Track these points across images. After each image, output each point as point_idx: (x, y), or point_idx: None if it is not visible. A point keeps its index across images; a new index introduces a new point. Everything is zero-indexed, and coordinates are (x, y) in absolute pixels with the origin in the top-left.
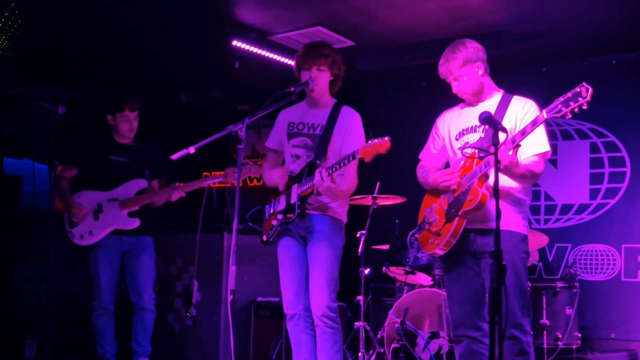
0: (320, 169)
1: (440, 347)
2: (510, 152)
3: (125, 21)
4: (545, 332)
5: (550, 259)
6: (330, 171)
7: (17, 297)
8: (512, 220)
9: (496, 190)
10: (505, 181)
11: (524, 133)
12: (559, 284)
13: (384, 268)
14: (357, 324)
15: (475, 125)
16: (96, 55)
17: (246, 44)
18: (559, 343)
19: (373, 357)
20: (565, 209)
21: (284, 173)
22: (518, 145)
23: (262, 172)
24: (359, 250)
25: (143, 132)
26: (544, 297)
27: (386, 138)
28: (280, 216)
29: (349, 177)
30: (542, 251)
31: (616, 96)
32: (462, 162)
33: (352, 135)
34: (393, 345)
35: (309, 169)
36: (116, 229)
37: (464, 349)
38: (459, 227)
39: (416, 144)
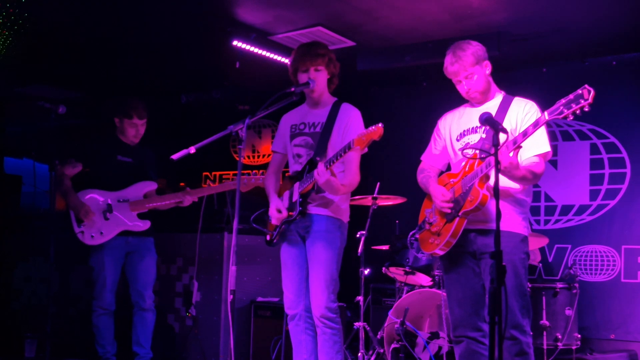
0: (319, 164)
1: (439, 348)
2: (511, 154)
3: (125, 21)
4: (544, 333)
5: (550, 259)
6: (328, 164)
7: (17, 297)
8: (513, 221)
9: (496, 191)
10: (506, 182)
11: (525, 134)
12: (559, 285)
13: (383, 268)
14: (356, 324)
15: (476, 126)
16: (97, 55)
17: (247, 44)
18: (559, 344)
19: (373, 358)
20: (565, 209)
21: (280, 209)
22: (519, 147)
23: (265, 175)
24: (359, 250)
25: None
26: (543, 298)
27: (379, 125)
28: (283, 215)
29: (351, 172)
30: (541, 252)
31: (616, 97)
32: (462, 163)
33: (351, 130)
34: (393, 346)
35: (310, 167)
36: (125, 230)
37: (463, 349)
38: (459, 228)
39: (416, 145)
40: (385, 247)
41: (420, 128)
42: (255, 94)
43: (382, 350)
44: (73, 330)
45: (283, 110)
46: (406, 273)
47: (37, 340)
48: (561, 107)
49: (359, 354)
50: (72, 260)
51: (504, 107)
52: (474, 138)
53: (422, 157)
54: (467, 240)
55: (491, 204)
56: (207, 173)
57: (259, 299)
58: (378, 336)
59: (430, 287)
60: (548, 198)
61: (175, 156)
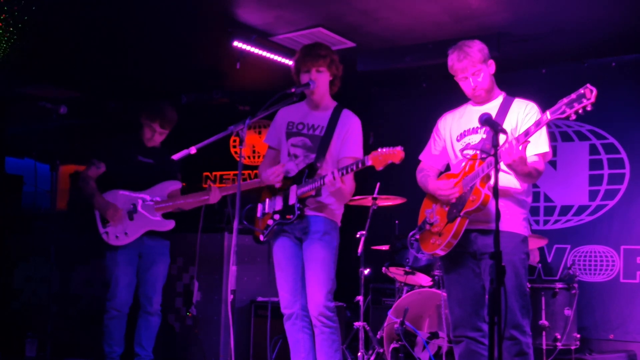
0: (325, 167)
1: (439, 348)
2: (520, 147)
3: (126, 21)
4: (544, 333)
5: (549, 260)
6: (343, 173)
7: (18, 297)
8: (513, 221)
9: (496, 191)
10: (507, 182)
11: (527, 134)
12: (558, 285)
13: (383, 268)
14: (356, 324)
15: (477, 127)
16: (98, 56)
17: (247, 45)
18: (558, 344)
19: (372, 357)
20: (565, 210)
21: (280, 172)
22: (527, 141)
23: (259, 170)
24: (359, 250)
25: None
26: (542, 298)
27: (398, 148)
28: (277, 216)
29: (349, 180)
30: (541, 252)
31: (616, 98)
32: (462, 164)
33: (350, 139)
34: (392, 346)
35: (309, 171)
36: (151, 230)
37: (463, 349)
38: (460, 228)
39: (417, 145)
40: (385, 247)
41: (420, 128)
42: (256, 94)
43: (381, 350)
44: (73, 329)
45: None
46: (406, 273)
47: (37, 339)
48: (563, 107)
49: (359, 354)
50: (72, 260)
51: (504, 108)
52: (474, 138)
53: (421, 157)
54: (468, 240)
55: (493, 204)
56: (208, 173)
57: (259, 298)
58: (378, 336)
59: (430, 287)
60: (547, 198)
61: (175, 156)
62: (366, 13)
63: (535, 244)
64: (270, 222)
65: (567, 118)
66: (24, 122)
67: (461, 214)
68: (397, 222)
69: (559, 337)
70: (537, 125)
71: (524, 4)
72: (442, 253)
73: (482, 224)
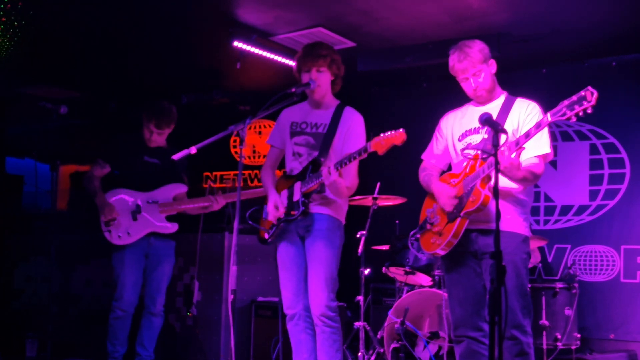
0: (328, 163)
1: (439, 347)
2: (513, 155)
3: (127, 21)
4: (544, 333)
5: (549, 259)
6: (339, 166)
7: (18, 297)
8: (514, 221)
9: (496, 191)
10: (507, 182)
11: (527, 136)
12: (559, 285)
13: (383, 268)
14: (357, 324)
15: (478, 127)
16: (98, 56)
17: (247, 45)
18: (558, 344)
19: (373, 357)
20: (565, 210)
21: (278, 206)
22: (522, 148)
23: (262, 170)
24: (359, 250)
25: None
26: (543, 298)
27: (400, 130)
28: (281, 214)
29: (350, 176)
30: (541, 252)
31: (616, 98)
32: (464, 164)
33: (353, 135)
34: (393, 345)
35: (313, 167)
36: (154, 231)
37: (464, 349)
38: (460, 228)
39: (417, 145)
40: (385, 247)
41: (420, 129)
42: (256, 94)
43: (382, 350)
44: (74, 329)
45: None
46: (406, 273)
47: (38, 339)
48: (564, 109)
49: (359, 354)
50: (73, 260)
51: (506, 108)
52: (476, 138)
53: (423, 156)
54: (469, 240)
55: (493, 204)
56: (208, 173)
57: (260, 298)
58: (378, 336)
59: (431, 287)
60: (547, 198)
61: (176, 156)
62: (366, 13)
63: (535, 244)
64: (274, 221)
65: (568, 120)
66: (25, 122)
67: (461, 214)
68: (397, 222)
69: (559, 337)
70: (538, 127)
71: (524, 4)
72: (442, 253)
73: (483, 224)
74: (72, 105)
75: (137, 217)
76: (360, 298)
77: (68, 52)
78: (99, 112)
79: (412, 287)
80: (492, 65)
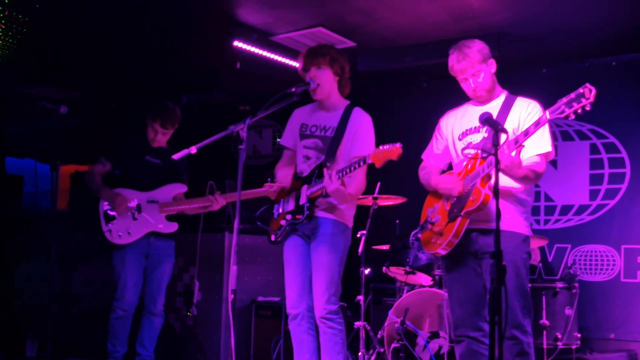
0: (330, 171)
1: (440, 347)
2: (513, 153)
3: (126, 21)
4: (544, 333)
5: (550, 259)
6: (341, 174)
7: (19, 297)
8: (514, 221)
9: (496, 191)
10: (508, 181)
11: (526, 134)
12: (559, 285)
13: (384, 268)
14: (357, 323)
15: (479, 126)
16: (98, 56)
17: (248, 45)
18: (559, 343)
19: (373, 357)
20: (565, 209)
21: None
22: (521, 146)
23: (275, 170)
24: (360, 250)
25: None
26: (543, 298)
27: (397, 145)
28: (289, 216)
29: (357, 180)
30: (541, 252)
31: (616, 97)
32: (464, 163)
33: (361, 138)
34: (393, 345)
35: (319, 171)
36: (153, 231)
37: (464, 349)
38: (461, 227)
39: (417, 145)
40: (385, 247)
41: (420, 128)
42: (256, 94)
43: (382, 350)
44: (74, 329)
45: (284, 111)
46: (406, 273)
47: (38, 339)
48: (563, 106)
49: (360, 354)
50: (73, 260)
51: (506, 107)
52: (476, 138)
53: (423, 156)
54: (469, 239)
55: (493, 204)
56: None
57: (260, 298)
58: (378, 336)
59: (431, 286)
60: (548, 198)
61: (176, 156)
62: (366, 13)
63: (535, 243)
64: (283, 222)
65: (567, 118)
66: (24, 122)
67: (462, 213)
68: (397, 221)
69: (559, 336)
70: (537, 125)
71: (524, 4)
72: (443, 252)
73: (483, 224)
74: (72, 105)
75: (137, 217)
76: (360, 298)
77: (68, 52)
78: (99, 112)
79: (412, 286)
80: (492, 65)
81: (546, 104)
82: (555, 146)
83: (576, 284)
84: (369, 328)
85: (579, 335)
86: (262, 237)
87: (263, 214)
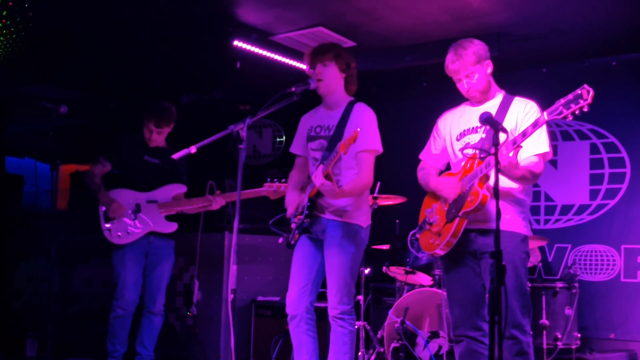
0: (345, 168)
1: (440, 347)
2: (511, 154)
3: (126, 21)
4: (544, 332)
5: (550, 259)
6: (324, 169)
7: (19, 296)
8: (513, 221)
9: (496, 191)
10: (506, 182)
11: (524, 134)
12: (559, 284)
13: (384, 268)
14: (357, 323)
15: (477, 126)
16: (98, 55)
17: (247, 44)
18: (559, 343)
19: (373, 357)
20: (565, 209)
21: (295, 201)
22: (519, 147)
23: (289, 178)
24: None
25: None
26: (543, 297)
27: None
28: (296, 219)
29: (360, 175)
30: (541, 251)
31: (616, 97)
32: (462, 163)
33: (363, 132)
34: (393, 345)
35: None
36: (153, 231)
37: (463, 348)
38: (459, 228)
39: (417, 145)
40: (385, 247)
41: (420, 128)
42: (256, 94)
43: (382, 350)
44: (74, 329)
45: (284, 110)
46: (406, 272)
47: (38, 339)
48: (560, 107)
49: (359, 353)
50: (73, 260)
51: (504, 107)
52: (474, 138)
53: (421, 156)
54: (468, 240)
55: (491, 204)
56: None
57: (260, 298)
58: (378, 335)
59: (431, 286)
60: (548, 198)
61: (176, 156)
62: (366, 12)
63: (535, 243)
64: (293, 225)
65: (564, 119)
66: (25, 121)
67: (460, 214)
68: (397, 221)
69: (559, 336)
70: (535, 126)
71: (524, 4)
72: (441, 253)
73: (481, 224)
74: (72, 105)
75: (137, 217)
76: (360, 297)
77: (68, 51)
78: (99, 112)
79: (412, 286)
80: (488, 66)
81: (546, 103)
82: (554, 146)
83: (576, 284)
84: (368, 328)
85: (579, 335)
86: (262, 237)
87: (278, 220)
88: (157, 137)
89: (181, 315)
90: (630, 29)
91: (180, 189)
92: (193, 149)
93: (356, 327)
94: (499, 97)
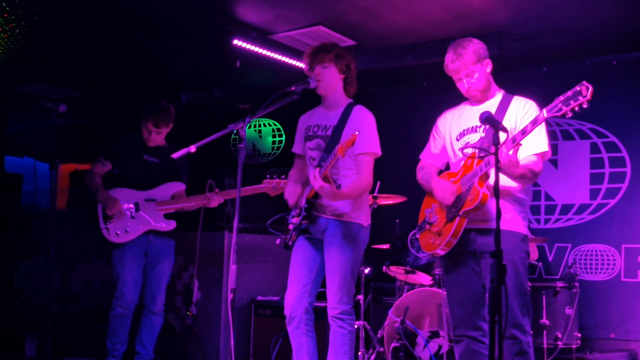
0: (343, 169)
1: (440, 347)
2: (511, 152)
3: (126, 20)
4: (545, 332)
5: (550, 259)
6: (321, 171)
7: (18, 296)
8: (513, 220)
9: (496, 190)
10: (506, 181)
11: (524, 132)
12: (559, 284)
13: (384, 267)
14: (357, 323)
15: (476, 126)
16: (97, 55)
17: (247, 43)
18: (559, 343)
19: (373, 356)
20: (566, 209)
21: (296, 192)
22: (519, 145)
23: (288, 178)
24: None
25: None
26: (543, 297)
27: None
28: (294, 220)
29: (360, 176)
30: (542, 251)
31: (617, 96)
32: (462, 162)
33: (362, 134)
34: (393, 345)
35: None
36: (151, 229)
37: (463, 348)
38: (459, 227)
39: (417, 144)
40: (385, 246)
41: (420, 127)
42: (256, 93)
43: (382, 349)
44: (74, 328)
45: (284, 109)
46: (406, 272)
47: (37, 338)
48: (559, 105)
49: (359, 353)
50: (72, 259)
51: (503, 106)
52: (474, 137)
53: (421, 156)
54: (468, 239)
55: (491, 203)
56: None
57: (259, 297)
58: (378, 335)
59: (431, 286)
60: (548, 197)
61: (175, 155)
62: (366, 11)
63: (535, 243)
64: (291, 226)
65: (564, 116)
66: (24, 120)
67: (460, 213)
68: (397, 220)
69: (560, 336)
70: (534, 123)
71: (524, 3)
72: (441, 252)
73: (481, 223)
74: (72, 104)
75: (135, 215)
76: (360, 297)
77: (67, 51)
78: (99, 111)
79: (412, 286)
80: (487, 65)
81: (546, 103)
82: (554, 146)
83: (576, 284)
84: (368, 327)
85: (579, 334)
86: (261, 236)
87: (277, 220)
88: (156, 137)
89: (180, 315)
90: (631, 28)
91: (179, 187)
92: (192, 148)
93: (356, 326)
94: (498, 97)
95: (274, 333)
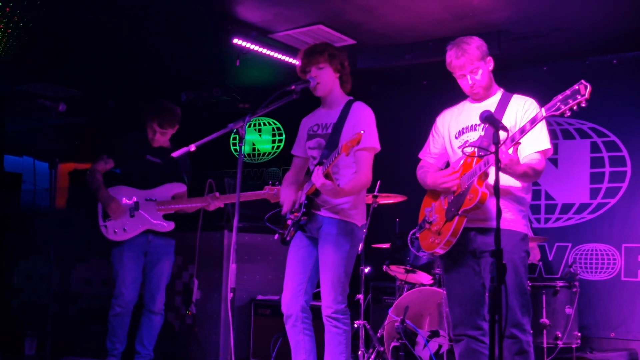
0: (342, 166)
1: (440, 346)
2: (510, 151)
3: (125, 19)
4: (545, 331)
5: (550, 258)
6: (323, 169)
7: (18, 295)
8: (513, 219)
9: (497, 189)
10: (506, 180)
11: (523, 131)
12: (559, 283)
13: (384, 267)
14: (357, 322)
15: (475, 124)
16: (97, 54)
17: (247, 42)
18: (559, 342)
19: (373, 356)
20: (566, 208)
21: (291, 197)
22: (518, 143)
23: (284, 178)
24: (359, 248)
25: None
26: (543, 297)
27: (361, 132)
28: (293, 216)
29: (359, 174)
30: (542, 250)
31: (617, 96)
32: (461, 161)
33: (359, 130)
34: (393, 344)
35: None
36: (150, 229)
37: (463, 348)
38: (459, 226)
39: (417, 143)
40: (385, 245)
41: (420, 126)
42: (256, 92)
43: (382, 349)
44: (73, 328)
45: (284, 109)
46: (407, 271)
47: (37, 338)
48: (558, 103)
49: (359, 352)
50: (72, 259)
51: (503, 104)
52: (473, 136)
53: (421, 155)
54: (467, 238)
55: (491, 202)
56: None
57: (259, 297)
58: (378, 334)
59: (431, 285)
60: (548, 196)
61: (175, 154)
62: (366, 10)
63: (535, 242)
64: (289, 222)
65: (562, 115)
66: (23, 119)
67: (459, 212)
68: (397, 220)
69: (560, 335)
70: (533, 122)
71: (524, 2)
72: (441, 252)
73: (481, 222)
74: (71, 103)
75: (134, 214)
76: (360, 296)
77: (67, 49)
78: (98, 110)
79: (412, 285)
80: (490, 63)
81: (547, 102)
82: (555, 145)
83: (576, 283)
84: (368, 327)
85: (579, 334)
86: (261, 236)
87: (273, 216)
88: (160, 137)
89: (180, 314)
90: (632, 28)
91: (180, 188)
92: (192, 147)
93: (356, 326)
94: (498, 95)
95: (273, 332)
